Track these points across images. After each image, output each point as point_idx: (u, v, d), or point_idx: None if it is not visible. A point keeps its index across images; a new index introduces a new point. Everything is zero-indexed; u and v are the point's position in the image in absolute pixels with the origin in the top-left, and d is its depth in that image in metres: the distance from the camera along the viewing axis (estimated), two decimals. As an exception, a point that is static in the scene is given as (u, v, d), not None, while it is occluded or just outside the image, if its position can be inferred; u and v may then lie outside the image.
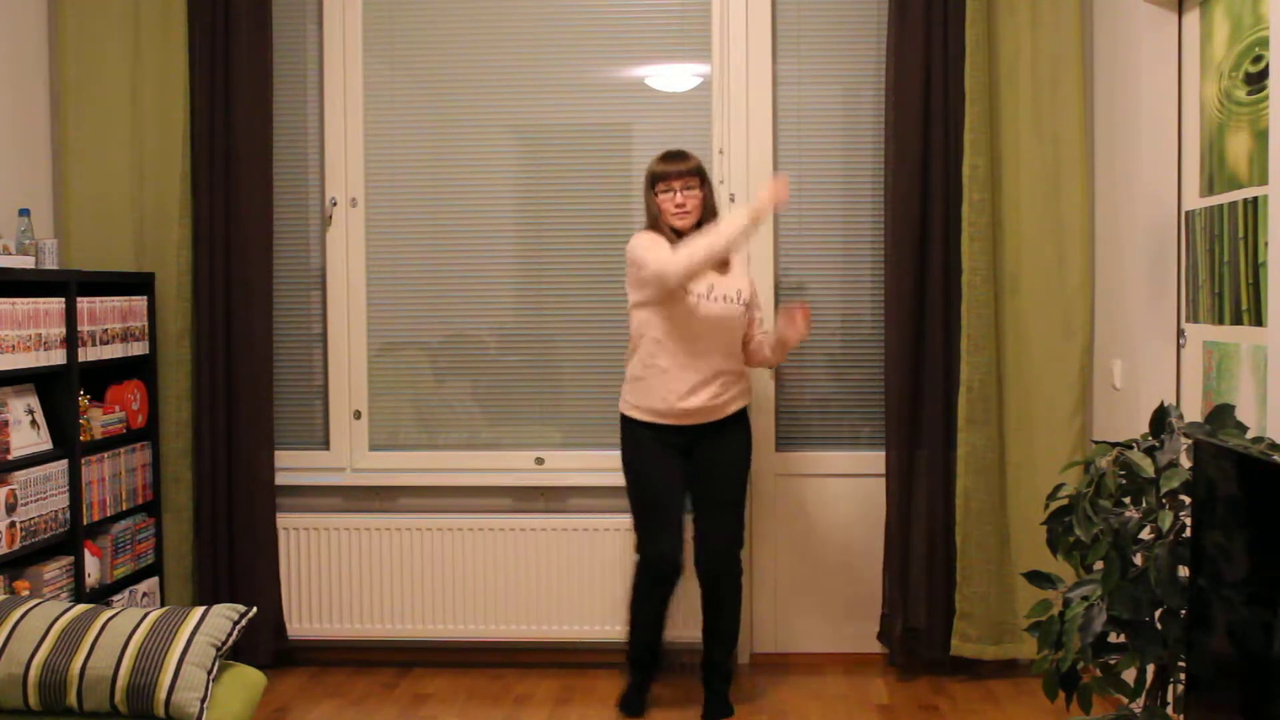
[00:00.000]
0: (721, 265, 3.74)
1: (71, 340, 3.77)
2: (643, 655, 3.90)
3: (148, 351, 4.23)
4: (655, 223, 3.76)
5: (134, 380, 4.17)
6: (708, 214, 3.76)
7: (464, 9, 4.39)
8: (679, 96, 4.39)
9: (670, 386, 3.69)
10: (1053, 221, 4.11)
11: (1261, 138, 3.08)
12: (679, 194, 3.70)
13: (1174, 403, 3.48)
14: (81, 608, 2.87)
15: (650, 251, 3.64)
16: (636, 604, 3.85)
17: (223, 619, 2.85)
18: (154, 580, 4.25)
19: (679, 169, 3.71)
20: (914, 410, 4.14)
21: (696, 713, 3.88)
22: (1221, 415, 2.66)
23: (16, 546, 3.54)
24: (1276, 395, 2.82)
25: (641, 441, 3.76)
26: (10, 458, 3.54)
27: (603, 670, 4.29)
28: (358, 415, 4.45)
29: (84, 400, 3.91)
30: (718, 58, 4.33)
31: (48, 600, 2.92)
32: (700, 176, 3.74)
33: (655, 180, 3.74)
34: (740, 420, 3.82)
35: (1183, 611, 2.61)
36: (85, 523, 3.86)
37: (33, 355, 3.59)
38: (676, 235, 3.73)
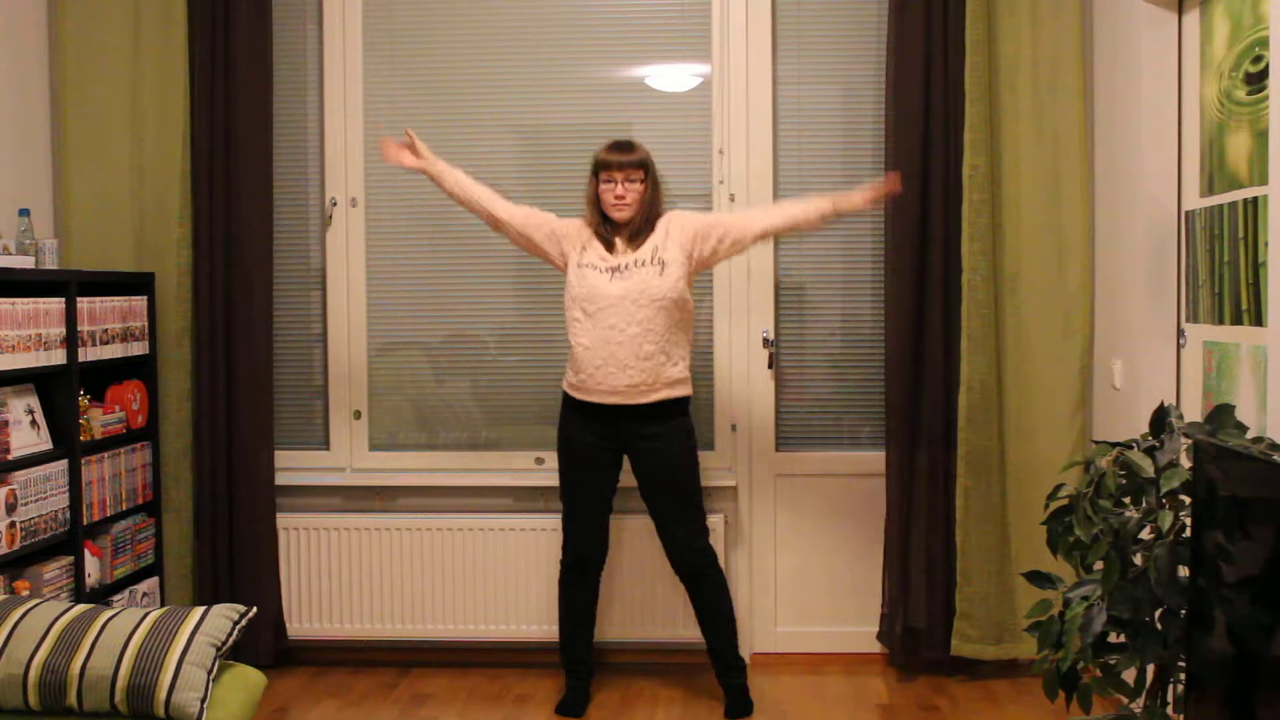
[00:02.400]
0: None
1: (71, 340, 3.77)
2: (575, 655, 3.92)
3: (148, 351, 4.23)
4: (590, 204, 3.77)
5: (134, 380, 4.17)
6: (646, 211, 3.71)
7: (464, 9, 4.39)
8: (679, 96, 4.39)
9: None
10: (1053, 221, 4.11)
11: (1261, 138, 3.08)
12: (620, 185, 3.69)
13: (1174, 403, 3.48)
14: (81, 608, 2.87)
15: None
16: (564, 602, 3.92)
17: (223, 619, 2.85)
18: (154, 580, 4.25)
19: (623, 159, 3.69)
20: (914, 410, 4.14)
21: (680, 713, 3.88)
22: (1221, 415, 2.66)
23: (16, 546, 3.54)
24: (1276, 395, 2.82)
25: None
26: (10, 458, 3.54)
27: (603, 670, 4.29)
28: (358, 415, 4.45)
29: (84, 400, 3.91)
30: (718, 58, 4.33)
31: (48, 600, 2.92)
32: (645, 170, 3.71)
33: (599, 168, 3.73)
34: (677, 411, 3.78)
35: (1183, 611, 2.61)
36: (85, 523, 3.86)
37: (33, 355, 3.59)
38: (609, 226, 3.73)
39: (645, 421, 3.71)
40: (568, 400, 3.81)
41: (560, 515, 3.93)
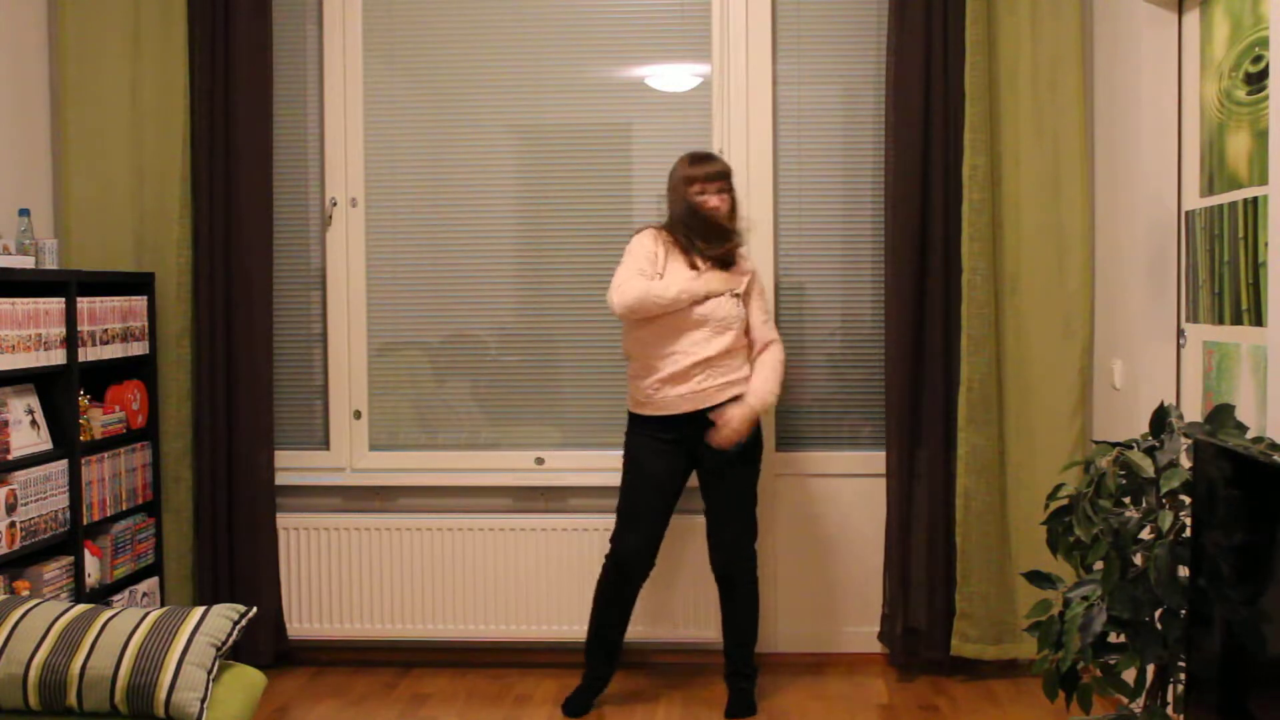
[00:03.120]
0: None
1: (71, 340, 3.77)
2: (599, 652, 3.92)
3: (148, 351, 4.23)
4: (677, 221, 3.79)
5: (134, 380, 4.17)
6: (736, 219, 3.82)
7: (464, 9, 4.39)
8: (679, 96, 4.39)
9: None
10: (1053, 221, 4.11)
11: (1261, 138, 3.08)
12: (714, 197, 3.78)
13: (1174, 403, 3.48)
14: (81, 608, 2.87)
15: (624, 267, 3.74)
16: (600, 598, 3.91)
17: (223, 619, 2.85)
18: (154, 580, 4.25)
19: (711, 171, 3.78)
20: (914, 410, 4.14)
21: (678, 713, 3.88)
22: (1221, 415, 2.66)
23: (16, 546, 3.54)
24: (1276, 395, 2.82)
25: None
26: (10, 458, 3.54)
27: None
28: (358, 415, 4.46)
29: (84, 400, 3.91)
30: (718, 58, 4.33)
31: (48, 600, 2.92)
32: (729, 178, 3.82)
33: (688, 182, 3.79)
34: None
35: (1183, 611, 2.61)
36: (85, 523, 3.86)
37: (33, 355, 3.59)
38: (712, 226, 3.78)
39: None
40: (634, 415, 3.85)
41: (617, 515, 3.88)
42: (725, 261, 3.78)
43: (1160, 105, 3.62)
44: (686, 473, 3.86)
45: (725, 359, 3.74)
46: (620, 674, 4.24)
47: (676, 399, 3.74)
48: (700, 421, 3.75)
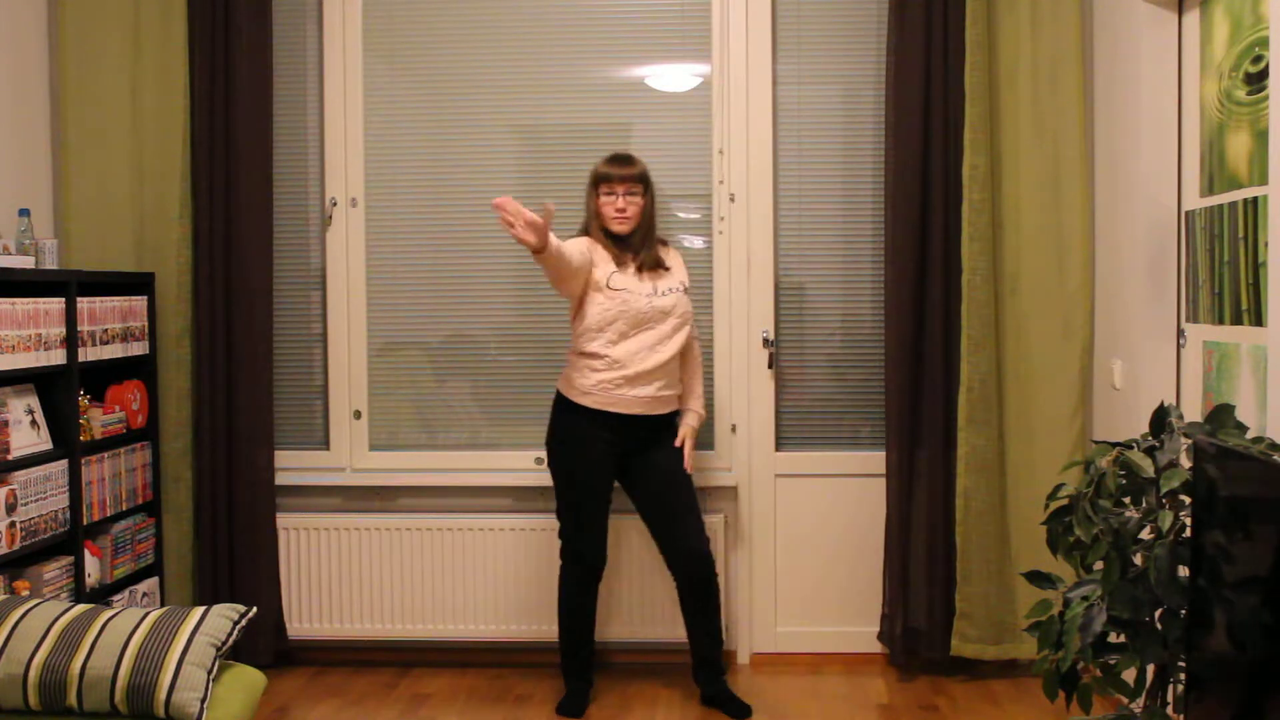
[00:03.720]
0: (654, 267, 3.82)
1: (71, 340, 3.77)
2: (580, 662, 3.93)
3: (148, 351, 4.23)
4: (588, 225, 3.85)
5: (134, 380, 4.17)
6: (645, 223, 3.81)
7: (464, 9, 4.39)
8: (679, 96, 4.39)
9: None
10: (1053, 221, 4.11)
11: (1261, 138, 3.08)
12: (620, 198, 3.77)
13: (1174, 403, 3.48)
14: (81, 608, 2.87)
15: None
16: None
17: (223, 619, 2.85)
18: (154, 580, 4.25)
19: (623, 173, 3.77)
20: (914, 410, 4.14)
21: (677, 713, 3.88)
22: (1221, 415, 2.66)
23: (16, 546, 3.54)
24: (1276, 395, 2.82)
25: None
26: (10, 458, 3.54)
27: (602, 670, 4.29)
28: (358, 415, 4.45)
29: (84, 400, 3.91)
30: (718, 58, 4.33)
31: (48, 600, 2.92)
32: (644, 184, 3.81)
33: (599, 180, 3.80)
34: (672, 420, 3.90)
35: (1183, 611, 2.61)
36: (85, 523, 3.86)
37: (33, 355, 3.59)
38: (611, 239, 3.80)
39: (658, 430, 3.84)
40: (579, 407, 3.80)
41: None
42: (653, 264, 3.80)
43: (1160, 105, 3.62)
44: (615, 474, 3.88)
45: (674, 363, 3.82)
46: (618, 674, 4.24)
47: (634, 400, 3.76)
48: (642, 426, 3.79)
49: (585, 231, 3.87)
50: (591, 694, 3.98)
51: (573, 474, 3.80)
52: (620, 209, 3.76)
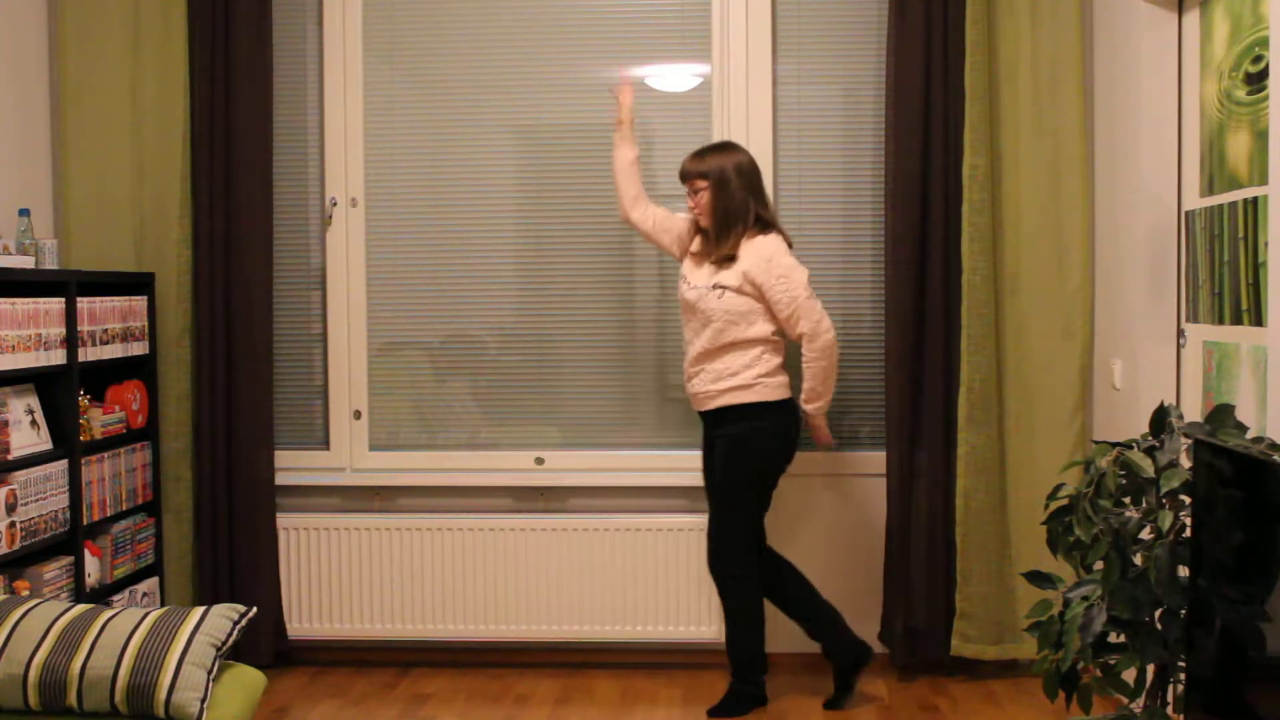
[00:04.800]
0: (720, 259, 3.79)
1: (71, 340, 3.77)
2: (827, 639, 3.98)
3: (148, 351, 4.23)
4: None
5: (134, 380, 4.17)
6: (725, 218, 3.79)
7: (464, 9, 4.39)
8: (679, 96, 4.39)
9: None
10: (1053, 221, 4.11)
11: (1261, 138, 3.08)
12: (691, 195, 3.86)
13: (1174, 403, 3.48)
14: (81, 608, 2.87)
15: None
16: None
17: (223, 619, 2.85)
18: (154, 580, 4.25)
19: (690, 168, 3.86)
20: (914, 410, 4.14)
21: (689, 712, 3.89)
22: (1221, 415, 2.66)
23: (16, 546, 3.53)
24: (1276, 395, 2.82)
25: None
26: (10, 458, 3.54)
27: (602, 670, 4.29)
28: (358, 415, 4.45)
29: (84, 400, 3.90)
30: (718, 58, 4.33)
31: (48, 600, 2.92)
32: (709, 178, 3.80)
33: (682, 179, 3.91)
34: (734, 417, 3.80)
35: (1183, 611, 2.61)
36: (85, 523, 3.86)
37: (33, 355, 3.59)
38: (699, 230, 3.90)
39: (712, 426, 3.88)
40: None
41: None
42: (720, 258, 3.80)
43: (1160, 105, 3.62)
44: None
45: (717, 357, 3.76)
46: (620, 674, 4.24)
47: (691, 396, 3.87)
48: (708, 420, 3.84)
49: None
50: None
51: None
52: (692, 206, 3.85)
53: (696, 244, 3.91)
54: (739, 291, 3.74)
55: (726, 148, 3.87)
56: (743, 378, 3.77)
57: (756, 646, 3.89)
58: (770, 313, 3.76)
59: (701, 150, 3.86)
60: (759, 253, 3.75)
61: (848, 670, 3.93)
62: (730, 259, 3.77)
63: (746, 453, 3.80)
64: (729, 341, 3.75)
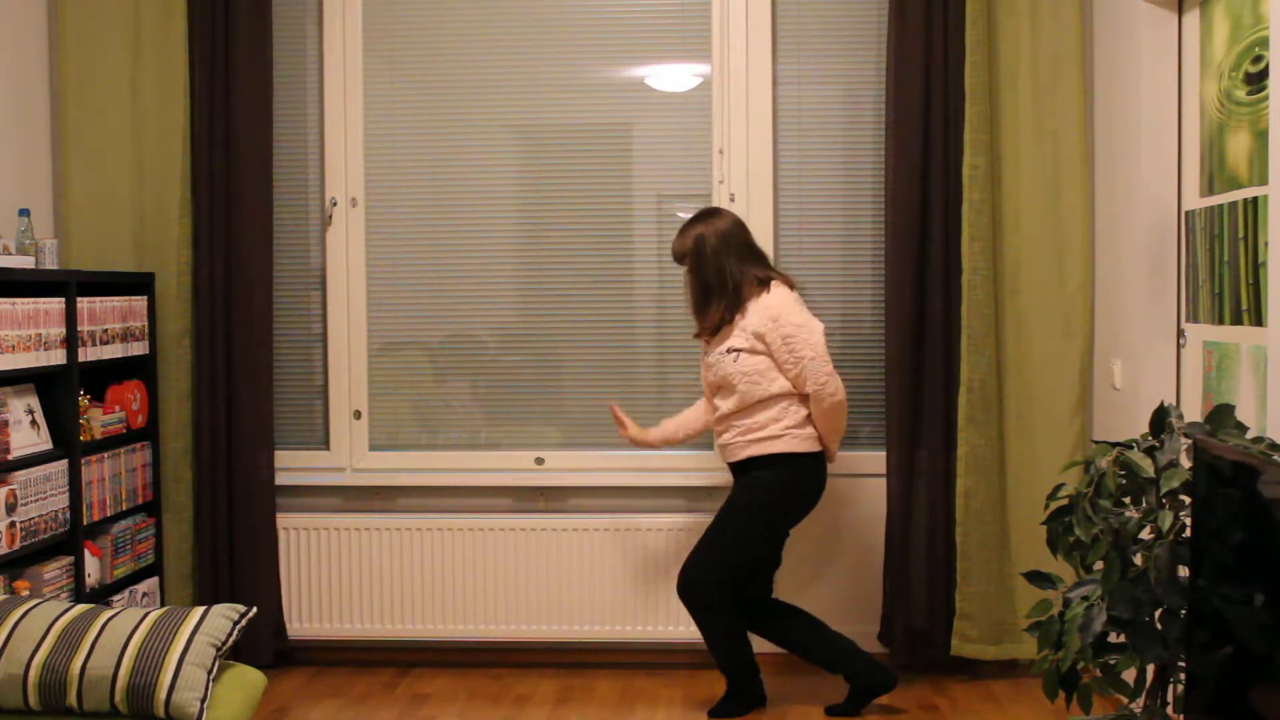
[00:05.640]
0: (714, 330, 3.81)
1: (71, 340, 3.77)
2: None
3: (148, 351, 4.23)
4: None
5: (134, 380, 4.17)
6: (703, 291, 3.77)
7: (464, 9, 4.39)
8: (679, 96, 4.39)
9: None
10: (1053, 221, 4.11)
11: (1261, 138, 3.08)
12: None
13: (1174, 403, 3.48)
14: (81, 608, 2.87)
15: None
16: None
17: (223, 619, 2.85)
18: (154, 580, 4.25)
19: (673, 250, 3.85)
20: (914, 410, 4.14)
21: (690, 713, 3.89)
22: (1221, 415, 2.66)
23: (16, 546, 3.54)
24: (1276, 395, 2.82)
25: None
26: (10, 458, 3.54)
27: (603, 670, 4.29)
28: (358, 415, 4.45)
29: (84, 400, 3.90)
30: (718, 58, 4.33)
31: (48, 600, 2.92)
32: (685, 259, 3.80)
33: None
34: (762, 465, 3.76)
35: (1183, 611, 2.61)
36: (85, 523, 3.86)
37: (33, 355, 3.59)
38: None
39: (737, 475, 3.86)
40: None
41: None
42: (713, 329, 3.80)
43: (1160, 105, 3.62)
44: None
45: (748, 415, 3.74)
46: (620, 674, 4.24)
47: (720, 449, 3.86)
48: (736, 470, 3.81)
49: None
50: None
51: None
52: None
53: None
54: (752, 351, 3.72)
55: (706, 216, 3.80)
56: (770, 430, 3.73)
57: (742, 658, 3.85)
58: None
59: (684, 224, 3.81)
60: (766, 311, 3.72)
61: (864, 692, 3.86)
62: (726, 323, 3.75)
63: (768, 491, 3.75)
64: (756, 400, 3.72)
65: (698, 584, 3.76)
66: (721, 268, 3.74)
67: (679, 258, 3.82)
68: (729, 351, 3.73)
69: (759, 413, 3.73)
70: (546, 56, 4.39)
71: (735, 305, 3.74)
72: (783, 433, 3.72)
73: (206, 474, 4.25)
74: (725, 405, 3.78)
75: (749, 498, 3.76)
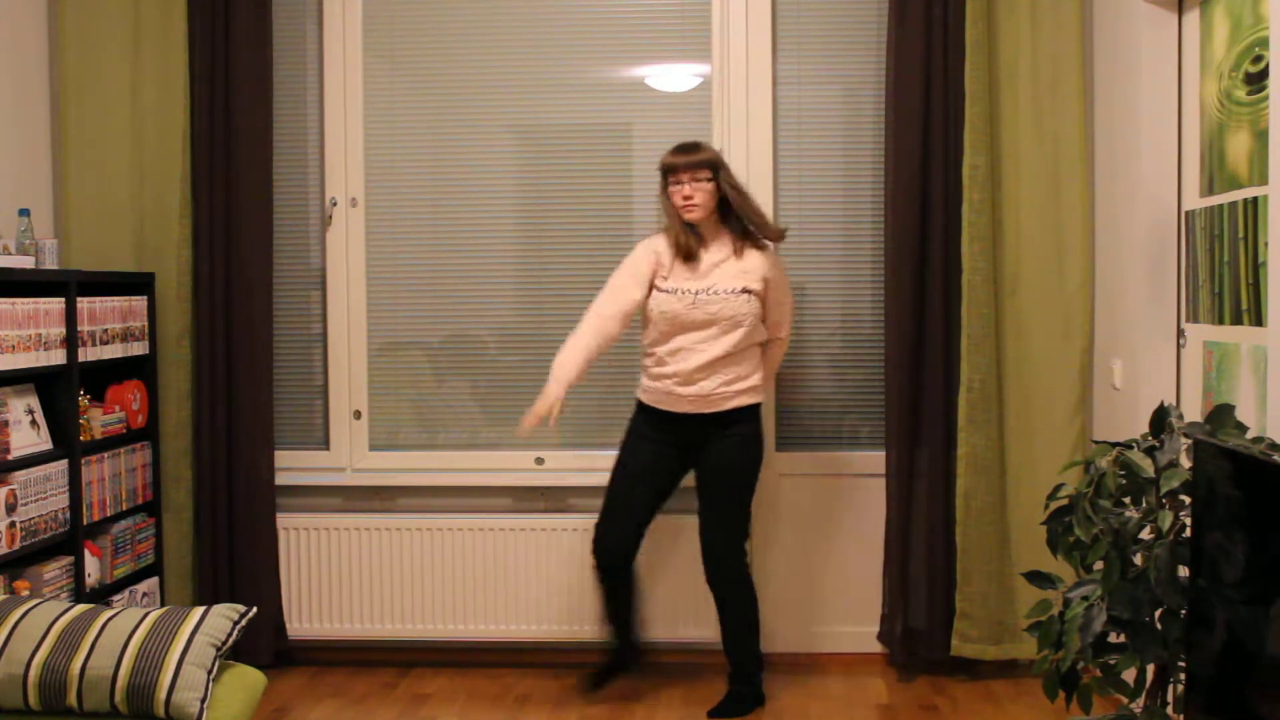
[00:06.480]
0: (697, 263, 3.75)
1: (71, 340, 3.77)
2: (610, 642, 3.99)
3: (148, 351, 4.23)
4: (669, 216, 3.78)
5: (134, 380, 4.17)
6: (727, 203, 3.74)
7: (464, 9, 4.39)
8: (679, 96, 4.39)
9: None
10: (1053, 221, 4.11)
11: (1261, 138, 3.08)
12: (687, 186, 3.70)
13: (1174, 403, 3.48)
14: (81, 608, 2.87)
15: (615, 272, 3.78)
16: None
17: (223, 619, 2.85)
18: (154, 580, 4.25)
19: (688, 160, 3.70)
20: (914, 410, 4.14)
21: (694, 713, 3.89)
22: (1221, 415, 2.66)
23: (16, 546, 3.54)
24: (1276, 395, 2.82)
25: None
26: (10, 458, 3.54)
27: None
28: (358, 415, 4.45)
29: (84, 400, 3.91)
30: (718, 58, 4.33)
31: (48, 600, 2.92)
32: (712, 169, 3.72)
33: (666, 172, 3.75)
34: (745, 417, 3.79)
35: (1183, 611, 2.61)
36: (85, 523, 3.86)
37: (33, 355, 3.59)
38: (689, 229, 3.74)
39: (711, 426, 3.79)
40: (639, 402, 3.88)
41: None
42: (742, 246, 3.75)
43: (1160, 105, 3.62)
44: (679, 473, 3.87)
45: (734, 360, 3.71)
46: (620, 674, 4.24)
47: (681, 399, 3.74)
48: (703, 424, 3.74)
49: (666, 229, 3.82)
50: (615, 675, 4.04)
51: (622, 463, 3.87)
52: (687, 196, 3.70)
53: (670, 251, 3.76)
54: (760, 295, 3.73)
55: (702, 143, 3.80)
56: (753, 379, 3.77)
57: (757, 645, 3.92)
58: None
59: (686, 144, 3.76)
60: (776, 262, 3.80)
61: (614, 668, 4.01)
62: (730, 258, 3.73)
63: (758, 446, 3.82)
64: (748, 345, 3.73)
65: (742, 571, 3.84)
66: (741, 187, 3.78)
67: (693, 167, 3.67)
68: (744, 291, 3.69)
69: (746, 360, 3.74)
70: (546, 56, 4.39)
71: (747, 232, 3.77)
72: (759, 383, 3.80)
73: (206, 474, 4.25)
74: (715, 348, 3.68)
75: (746, 458, 3.78)
